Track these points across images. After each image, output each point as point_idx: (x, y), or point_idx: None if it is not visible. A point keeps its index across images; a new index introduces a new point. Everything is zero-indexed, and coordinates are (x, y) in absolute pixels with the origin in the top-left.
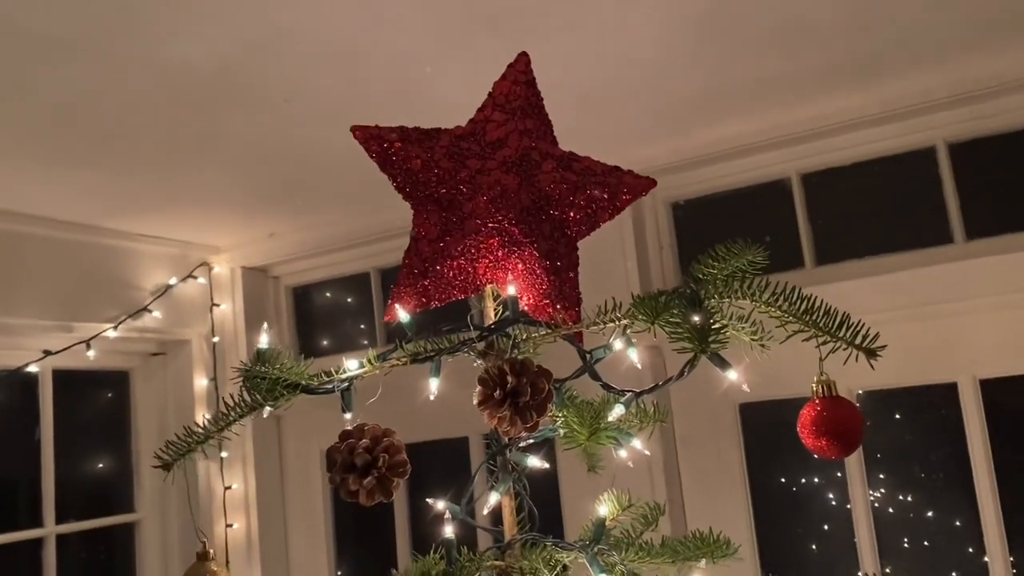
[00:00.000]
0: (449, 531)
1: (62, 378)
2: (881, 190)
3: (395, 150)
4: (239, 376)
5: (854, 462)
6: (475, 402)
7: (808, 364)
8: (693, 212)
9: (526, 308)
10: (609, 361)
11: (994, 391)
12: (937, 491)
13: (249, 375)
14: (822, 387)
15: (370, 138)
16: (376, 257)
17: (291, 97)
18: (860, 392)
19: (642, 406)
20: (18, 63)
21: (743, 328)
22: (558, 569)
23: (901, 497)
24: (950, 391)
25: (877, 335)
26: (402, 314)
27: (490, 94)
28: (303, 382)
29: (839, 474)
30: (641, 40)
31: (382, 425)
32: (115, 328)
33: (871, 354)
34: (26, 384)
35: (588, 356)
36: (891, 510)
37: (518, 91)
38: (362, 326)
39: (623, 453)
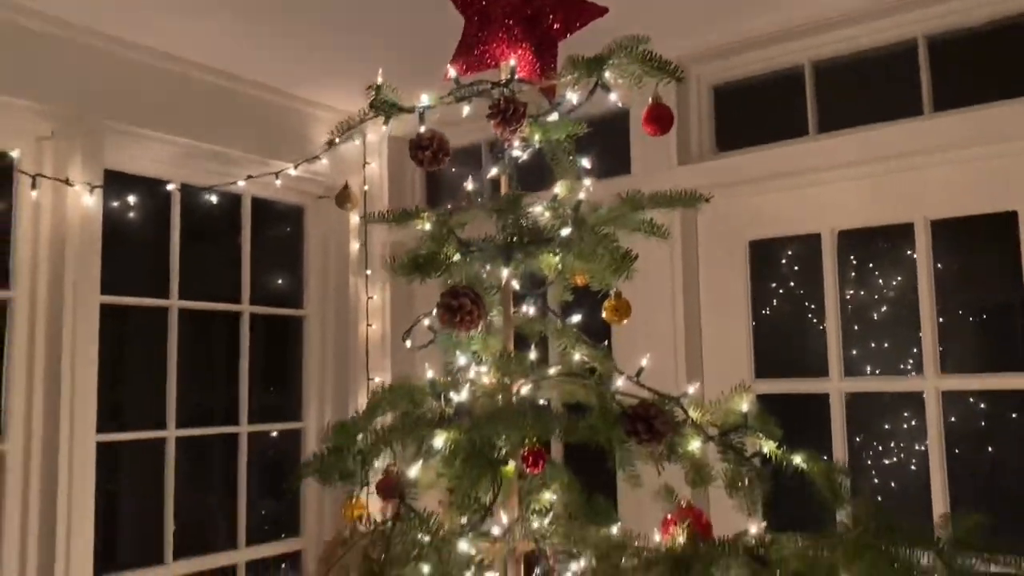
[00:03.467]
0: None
1: (258, 206)
2: (873, 75)
3: None
4: (371, 95)
5: (831, 285)
6: (486, 115)
7: (805, 210)
8: (729, 94)
9: (521, 75)
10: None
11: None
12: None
13: (375, 98)
14: (652, 99)
15: None
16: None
17: None
18: (837, 231)
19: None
20: None
21: (627, 78)
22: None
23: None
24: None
25: (681, 70)
26: (453, 73)
27: None
28: (397, 103)
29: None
30: None
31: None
32: (295, 168)
33: (674, 76)
34: (232, 205)
35: (552, 100)
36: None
37: None
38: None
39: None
